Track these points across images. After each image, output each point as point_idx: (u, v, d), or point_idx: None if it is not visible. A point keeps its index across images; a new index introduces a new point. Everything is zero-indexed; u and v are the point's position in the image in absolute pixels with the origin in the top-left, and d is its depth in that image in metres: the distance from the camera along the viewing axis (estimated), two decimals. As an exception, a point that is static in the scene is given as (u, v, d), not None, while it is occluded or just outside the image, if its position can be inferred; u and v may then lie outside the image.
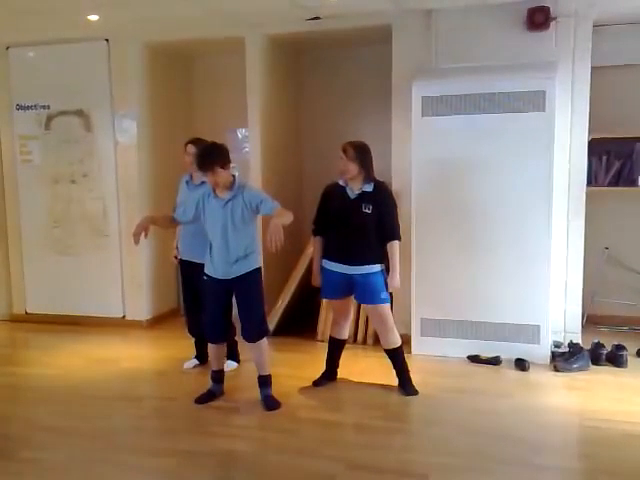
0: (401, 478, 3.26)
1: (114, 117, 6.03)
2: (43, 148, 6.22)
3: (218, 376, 4.35)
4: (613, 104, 5.46)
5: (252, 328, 4.14)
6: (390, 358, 4.40)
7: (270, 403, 4.15)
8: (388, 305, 4.32)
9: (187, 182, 4.78)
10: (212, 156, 3.99)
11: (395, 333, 4.33)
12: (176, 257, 4.92)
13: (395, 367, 4.39)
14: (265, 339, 4.20)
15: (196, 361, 4.98)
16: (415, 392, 4.34)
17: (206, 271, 4.18)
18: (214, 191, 4.08)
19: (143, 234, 4.15)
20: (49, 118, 6.17)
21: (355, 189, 4.22)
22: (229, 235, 4.03)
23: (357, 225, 4.20)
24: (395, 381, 4.41)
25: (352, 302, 4.57)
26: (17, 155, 6.29)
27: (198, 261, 4.40)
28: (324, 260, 4.36)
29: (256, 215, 4.13)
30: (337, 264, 4.27)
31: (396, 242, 4.26)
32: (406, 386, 4.36)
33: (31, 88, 6.17)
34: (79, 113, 6.10)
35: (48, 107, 6.15)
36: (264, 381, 4.21)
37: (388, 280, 4.26)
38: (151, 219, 4.39)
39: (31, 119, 6.20)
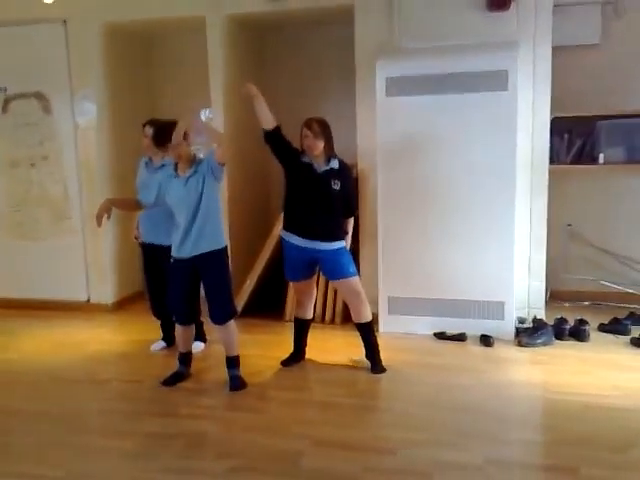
0: (368, 454, 3.29)
1: (73, 99, 5.90)
2: (1, 131, 6.07)
3: (185, 358, 4.33)
4: (574, 83, 5.51)
5: (219, 310, 4.12)
6: (361, 333, 4.41)
7: (236, 383, 4.14)
8: (357, 278, 4.34)
9: (146, 164, 4.73)
10: (169, 130, 3.97)
11: (367, 306, 4.34)
12: (136, 237, 4.86)
13: (365, 342, 4.40)
14: (233, 320, 4.18)
15: (163, 343, 4.95)
16: (383, 370, 4.37)
17: (172, 254, 4.14)
18: (176, 170, 4.04)
19: (105, 216, 4.10)
20: (6, 101, 6.02)
21: (321, 165, 4.21)
22: (193, 212, 3.99)
23: (326, 202, 4.20)
24: (363, 359, 4.43)
25: (315, 282, 4.58)
26: (-26, 139, 6.14)
27: (161, 244, 4.36)
28: (285, 232, 4.34)
29: (218, 182, 4.09)
30: (302, 239, 4.25)
31: (352, 218, 4.44)
32: (375, 363, 4.39)
33: (-14, 70, 6.02)
34: (37, 95, 5.96)
35: (5, 90, 6.00)
36: (232, 362, 4.20)
37: None
38: (113, 201, 4.36)
39: (-12, 101, 6.05)
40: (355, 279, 4.31)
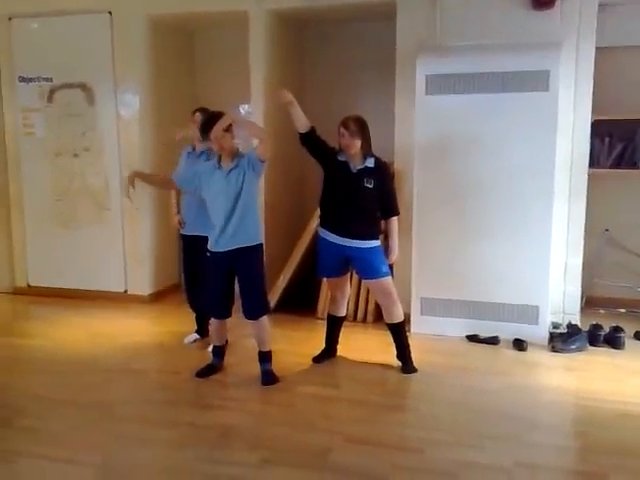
0: (397, 452, 3.31)
1: (116, 91, 6.01)
2: (46, 121, 6.21)
3: (219, 351, 4.39)
4: (617, 85, 5.43)
5: (253, 305, 4.17)
6: (392, 333, 4.43)
7: (268, 378, 4.19)
8: (390, 278, 4.35)
9: (189, 153, 4.82)
10: (216, 120, 4.01)
11: (398, 307, 4.35)
12: (180, 223, 4.90)
13: (396, 342, 4.42)
14: (266, 316, 4.23)
15: (197, 335, 5.02)
16: (414, 370, 4.37)
17: (209, 247, 4.19)
18: (219, 161, 4.08)
19: (132, 188, 4.20)
20: (52, 91, 6.15)
21: (357, 164, 4.22)
22: (232, 206, 4.03)
23: (359, 200, 4.22)
24: (394, 359, 4.44)
25: (348, 279, 4.60)
26: (20, 128, 6.28)
27: (202, 234, 4.43)
28: (321, 229, 4.38)
29: (258, 177, 4.13)
30: (336, 236, 4.28)
31: (396, 217, 4.33)
32: (406, 363, 4.40)
33: (34, 60, 6.15)
34: (82, 86, 6.08)
35: (51, 80, 6.13)
36: (264, 357, 4.25)
37: (388, 254, 4.31)
38: (138, 174, 4.45)
39: (34, 91, 6.18)
40: (387, 279, 4.32)
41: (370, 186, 4.20)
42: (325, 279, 4.74)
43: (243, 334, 4.88)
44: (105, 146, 6.11)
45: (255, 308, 4.17)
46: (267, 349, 4.25)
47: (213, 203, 4.13)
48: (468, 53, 4.91)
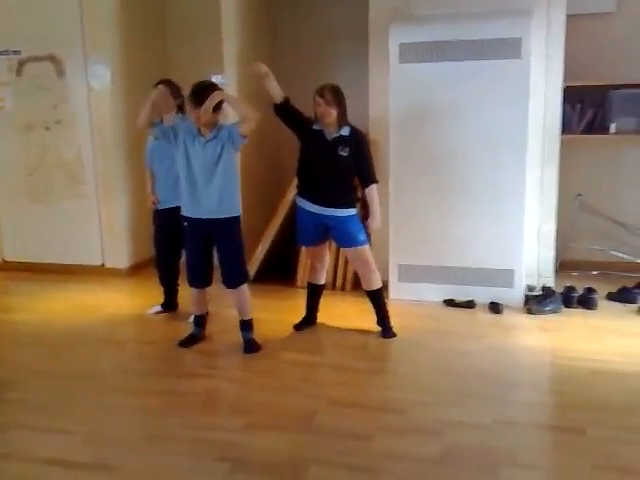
0: (380, 413, 3.39)
1: (86, 62, 5.92)
2: (15, 94, 6.11)
3: (200, 320, 4.42)
4: (587, 52, 5.49)
5: (233, 274, 4.20)
6: (371, 300, 4.50)
7: (250, 346, 4.23)
8: (367, 246, 4.40)
9: (155, 124, 4.69)
10: (209, 90, 3.98)
11: (376, 274, 4.42)
12: (154, 203, 4.90)
13: (375, 309, 4.49)
14: (246, 285, 4.26)
15: (159, 307, 5.04)
16: (393, 334, 4.45)
17: (184, 213, 4.18)
18: (198, 130, 4.06)
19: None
20: (20, 64, 6.04)
21: (332, 132, 4.24)
22: (209, 175, 4.04)
23: (334, 168, 4.24)
24: (373, 325, 4.51)
25: (327, 247, 4.65)
26: (-11, 102, 6.18)
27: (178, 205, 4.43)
28: (299, 198, 4.41)
29: (236, 151, 4.14)
30: (312, 205, 4.32)
31: (374, 185, 4.33)
32: (385, 329, 4.48)
33: (1, 33, 6.02)
34: (51, 58, 5.97)
35: (19, 52, 6.02)
36: (245, 325, 4.29)
37: (369, 222, 4.34)
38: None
39: (2, 65, 6.07)
40: (364, 248, 4.37)
41: (345, 154, 4.22)
42: (304, 248, 4.77)
43: (225, 304, 4.90)
44: (77, 119, 6.03)
45: (235, 276, 4.20)
46: (248, 317, 4.29)
47: (186, 167, 4.08)
48: (441, 21, 4.93)
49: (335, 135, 4.24)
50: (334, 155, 4.22)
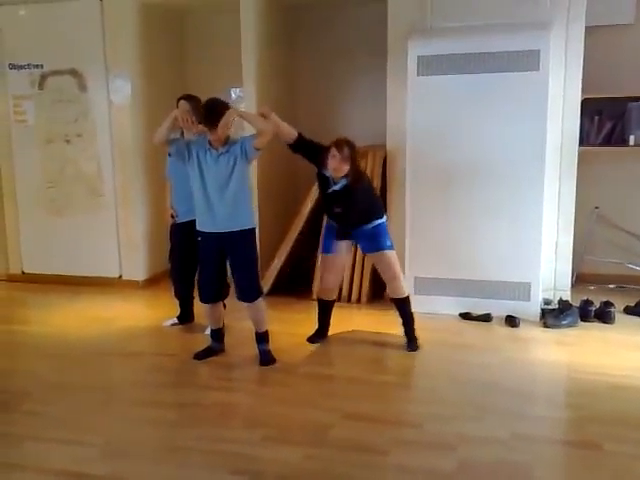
0: (396, 427, 3.38)
1: (108, 76, 6.01)
2: (37, 108, 6.20)
3: (218, 334, 4.43)
4: (606, 64, 5.48)
5: (247, 289, 4.20)
6: (397, 308, 4.48)
7: (266, 358, 4.24)
8: (393, 252, 4.40)
9: (173, 140, 4.71)
10: (220, 108, 4.00)
11: (401, 281, 4.43)
12: (173, 216, 4.93)
13: (402, 317, 4.47)
14: (261, 298, 4.26)
15: (176, 320, 5.06)
16: (417, 347, 4.43)
17: (198, 228, 4.20)
18: (209, 143, 4.06)
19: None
20: (43, 77, 6.14)
21: (337, 181, 4.26)
22: (221, 189, 4.05)
23: (348, 207, 4.30)
24: (388, 337, 4.50)
25: (345, 264, 4.69)
26: (11, 115, 6.26)
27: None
28: (328, 218, 4.52)
29: (249, 164, 4.16)
30: (339, 226, 4.42)
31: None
32: (409, 340, 4.45)
33: (24, 47, 6.13)
34: (73, 72, 6.06)
35: (41, 66, 6.11)
36: (261, 337, 4.30)
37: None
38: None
39: (24, 79, 6.16)
40: (391, 253, 4.38)
41: (351, 198, 4.29)
42: (321, 257, 4.71)
43: (240, 316, 4.92)
44: (97, 132, 6.11)
45: (251, 291, 4.21)
46: (263, 330, 4.30)
47: (199, 181, 4.09)
48: (459, 34, 4.94)
49: (341, 184, 4.26)
50: (345, 201, 4.29)
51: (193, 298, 5.01)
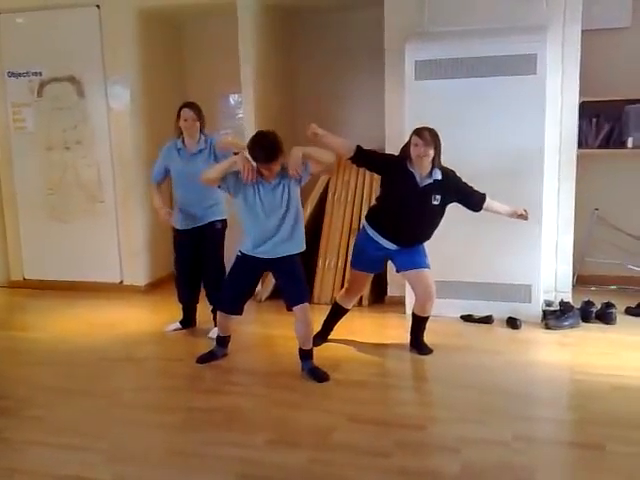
0: (399, 429, 3.38)
1: (106, 83, 6.02)
2: (36, 115, 6.21)
3: (224, 340, 4.41)
4: (603, 67, 5.51)
5: (299, 292, 4.10)
6: (414, 323, 4.46)
7: (319, 375, 4.04)
8: (430, 271, 4.31)
9: (179, 150, 4.70)
10: (279, 146, 3.88)
11: (433, 302, 4.35)
12: (169, 214, 4.86)
13: (417, 331, 4.45)
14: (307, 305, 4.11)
15: (179, 325, 5.06)
16: (430, 350, 4.44)
17: (244, 250, 4.08)
18: (262, 177, 3.95)
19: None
20: (41, 85, 6.15)
21: (424, 177, 4.13)
22: (279, 220, 3.96)
23: (424, 215, 4.19)
24: (391, 340, 4.52)
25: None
26: (10, 122, 6.28)
27: (209, 221, 4.65)
28: (371, 229, 4.29)
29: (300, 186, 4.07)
30: (387, 242, 4.24)
31: (486, 199, 4.30)
32: (423, 346, 4.45)
33: (22, 55, 6.13)
34: (71, 79, 6.08)
35: (40, 74, 6.12)
36: (308, 354, 4.13)
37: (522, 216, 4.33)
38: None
39: (23, 86, 6.17)
40: (428, 272, 4.29)
41: (437, 203, 4.15)
42: (352, 270, 4.53)
43: (245, 320, 4.93)
44: (96, 139, 6.12)
45: (302, 294, 4.11)
46: (310, 346, 4.14)
47: (253, 212, 3.99)
48: (456, 38, 4.96)
49: (428, 181, 4.13)
50: (427, 203, 4.14)
51: (197, 303, 5.02)
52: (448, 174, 4.20)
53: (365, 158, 4.24)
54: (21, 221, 6.47)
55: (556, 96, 4.97)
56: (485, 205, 4.27)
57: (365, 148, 4.24)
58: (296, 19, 6.44)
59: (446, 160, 4.94)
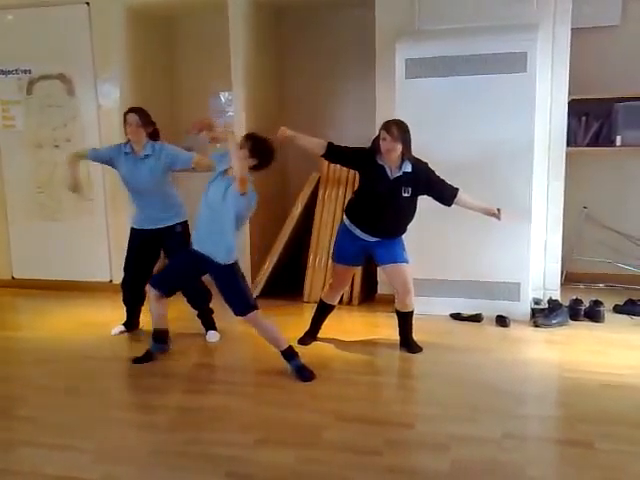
0: (388, 427, 3.39)
1: (96, 81, 6.00)
2: (26, 113, 6.17)
3: (160, 335, 4.35)
4: (593, 65, 5.54)
5: (238, 305, 4.07)
6: (401, 321, 4.47)
7: (304, 375, 4.00)
8: (408, 266, 4.34)
9: (126, 153, 4.65)
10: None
11: (412, 296, 4.37)
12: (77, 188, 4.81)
13: (404, 328, 4.46)
14: (254, 313, 4.07)
15: (123, 327, 5.03)
16: (420, 349, 4.44)
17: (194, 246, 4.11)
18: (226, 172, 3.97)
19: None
20: (31, 82, 6.11)
21: (394, 171, 4.16)
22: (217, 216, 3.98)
23: (396, 207, 4.20)
24: (380, 339, 4.53)
25: (354, 273, 4.66)
26: (-1, 120, 6.26)
27: (171, 223, 4.64)
28: (350, 224, 4.31)
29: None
30: (366, 235, 4.26)
31: (459, 192, 4.28)
32: (411, 346, 4.46)
33: (11, 52, 6.09)
34: (61, 77, 6.05)
35: (29, 71, 6.09)
36: (287, 355, 4.07)
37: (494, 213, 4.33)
38: None
39: (12, 84, 6.14)
40: (406, 266, 4.31)
41: (407, 195, 4.17)
42: (335, 266, 4.55)
43: (234, 320, 4.92)
44: (86, 137, 6.08)
45: (242, 306, 4.06)
46: (285, 346, 4.07)
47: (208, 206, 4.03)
48: (446, 36, 4.98)
49: (397, 174, 4.15)
50: (397, 195, 4.16)
51: (141, 305, 5.01)
52: (419, 166, 4.21)
53: (337, 154, 4.27)
54: (10, 220, 6.43)
55: (546, 94, 4.99)
56: (456, 200, 4.28)
57: (336, 144, 4.26)
58: (287, 17, 6.43)
59: (436, 158, 4.97)
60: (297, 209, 5.70)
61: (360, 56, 5.90)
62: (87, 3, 5.87)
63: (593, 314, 4.97)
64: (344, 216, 4.42)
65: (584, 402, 3.63)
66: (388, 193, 4.16)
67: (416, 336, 4.54)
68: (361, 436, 3.30)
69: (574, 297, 5.11)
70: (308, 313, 4.80)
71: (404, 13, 5.17)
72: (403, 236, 4.38)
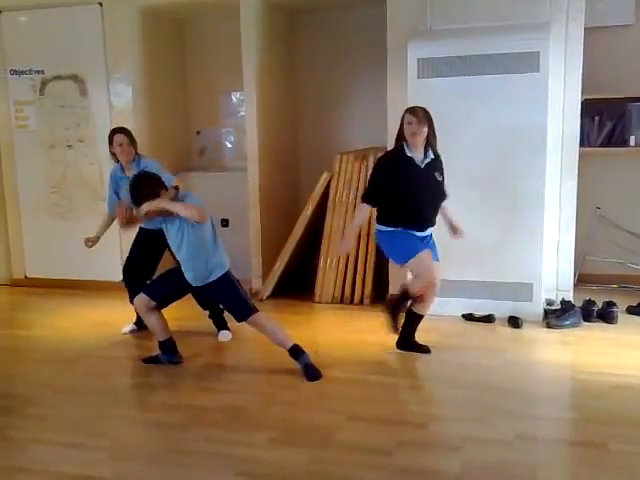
0: (400, 428, 3.38)
1: (109, 81, 6.03)
2: (39, 113, 6.23)
3: (167, 346, 4.34)
4: (606, 65, 5.50)
5: (238, 312, 4.16)
6: (408, 319, 4.42)
7: (311, 374, 4.00)
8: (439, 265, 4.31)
9: (120, 178, 4.72)
10: (143, 189, 4.02)
11: (433, 302, 4.38)
12: (91, 242, 4.96)
13: (406, 328, 4.43)
14: (255, 315, 4.11)
15: (134, 326, 5.05)
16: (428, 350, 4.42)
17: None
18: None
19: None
20: (44, 83, 6.17)
21: (421, 157, 4.14)
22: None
23: (434, 193, 4.21)
24: (393, 339, 4.51)
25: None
26: (13, 120, 6.29)
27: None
28: (396, 229, 4.19)
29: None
30: (417, 232, 4.20)
31: (448, 198, 4.36)
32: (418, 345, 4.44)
33: (25, 53, 6.16)
34: (73, 77, 6.10)
35: (42, 72, 6.14)
36: (293, 353, 4.07)
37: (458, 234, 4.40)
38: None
39: (26, 84, 6.19)
40: (438, 265, 4.29)
41: (440, 179, 4.22)
42: (416, 258, 4.19)
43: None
44: (99, 137, 6.09)
45: (242, 311, 4.13)
46: (290, 345, 4.08)
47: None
48: (459, 36, 4.96)
49: (427, 160, 4.15)
50: (432, 179, 4.17)
51: None
52: (439, 157, 4.26)
53: (379, 197, 4.20)
54: (23, 219, 6.48)
55: (559, 94, 4.95)
56: (444, 203, 4.34)
57: (369, 193, 4.26)
58: (299, 17, 6.43)
59: (449, 158, 4.96)
60: (308, 210, 5.70)
61: (372, 56, 5.88)
62: (100, 4, 5.91)
63: (606, 315, 4.94)
64: (384, 227, 4.25)
65: (597, 403, 3.61)
66: (424, 181, 4.15)
67: (428, 337, 4.53)
68: (373, 436, 3.29)
69: (587, 298, 5.08)
70: (318, 313, 4.80)
71: (416, 13, 5.16)
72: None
